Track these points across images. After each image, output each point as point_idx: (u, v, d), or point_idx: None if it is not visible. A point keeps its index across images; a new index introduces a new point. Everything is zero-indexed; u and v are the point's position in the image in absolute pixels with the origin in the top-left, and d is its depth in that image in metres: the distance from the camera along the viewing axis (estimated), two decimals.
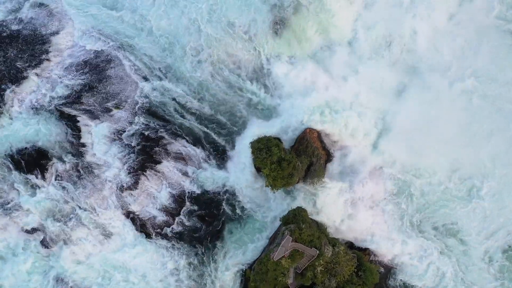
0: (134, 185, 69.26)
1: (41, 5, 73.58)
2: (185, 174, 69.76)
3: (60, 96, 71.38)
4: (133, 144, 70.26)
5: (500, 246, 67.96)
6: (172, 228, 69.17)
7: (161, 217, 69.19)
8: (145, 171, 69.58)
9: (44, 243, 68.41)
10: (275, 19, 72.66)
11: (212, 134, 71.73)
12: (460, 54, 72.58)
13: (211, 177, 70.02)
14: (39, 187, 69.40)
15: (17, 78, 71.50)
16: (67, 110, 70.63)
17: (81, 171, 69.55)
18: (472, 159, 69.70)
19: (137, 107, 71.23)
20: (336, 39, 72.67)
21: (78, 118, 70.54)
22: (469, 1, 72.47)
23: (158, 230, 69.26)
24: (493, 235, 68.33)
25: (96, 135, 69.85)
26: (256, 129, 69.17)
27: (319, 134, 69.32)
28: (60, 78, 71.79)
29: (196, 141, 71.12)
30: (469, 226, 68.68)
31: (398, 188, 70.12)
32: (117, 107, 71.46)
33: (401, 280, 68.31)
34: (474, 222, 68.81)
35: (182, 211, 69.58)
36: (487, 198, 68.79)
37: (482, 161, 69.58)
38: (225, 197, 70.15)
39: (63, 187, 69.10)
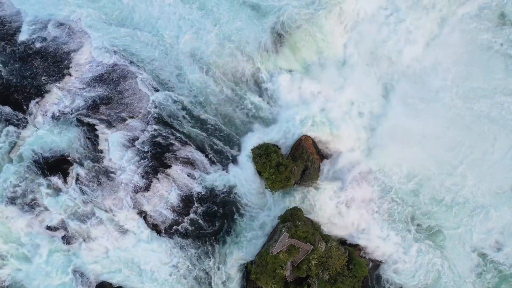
0: (147, 187, 71.31)
1: (62, 25, 74.72)
2: (193, 177, 71.96)
3: (80, 107, 73.07)
4: (145, 150, 72.09)
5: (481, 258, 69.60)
6: (181, 226, 71.56)
7: (170, 216, 71.63)
8: (157, 175, 71.59)
9: (65, 240, 71.05)
10: (274, 37, 74.04)
11: (217, 141, 73.31)
12: (444, 66, 73.64)
13: (216, 180, 72.17)
14: (61, 190, 71.69)
15: (42, 91, 73.47)
16: (86, 119, 72.85)
17: (99, 175, 71.81)
18: (457, 169, 71.17)
19: (149, 116, 72.70)
20: (329, 55, 73.95)
21: (96, 127, 72.70)
22: (452, 16, 74.09)
23: (168, 228, 71.70)
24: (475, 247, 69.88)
25: (112, 142, 71.93)
26: (256, 136, 71.82)
27: (313, 140, 71.58)
28: (80, 90, 73.41)
29: (202, 147, 73.12)
30: (454, 232, 70.14)
31: (386, 189, 71.40)
32: (131, 116, 73.18)
33: (388, 273, 69.78)
34: (458, 230, 70.20)
35: (189, 211, 71.68)
36: (472, 208, 70.32)
37: (468, 171, 70.87)
38: (229, 198, 72.11)
39: (83, 189, 71.51)
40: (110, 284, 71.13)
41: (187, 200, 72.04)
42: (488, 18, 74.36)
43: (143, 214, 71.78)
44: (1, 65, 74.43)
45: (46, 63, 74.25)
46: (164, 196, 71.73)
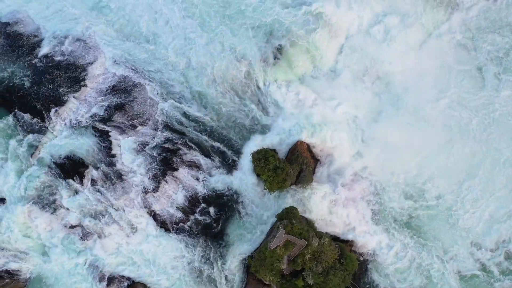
0: (156, 188, 73.68)
1: (78, 40, 77.26)
2: (198, 179, 74.41)
3: (95, 115, 75.45)
4: (154, 155, 74.52)
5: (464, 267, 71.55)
6: (187, 224, 73.71)
7: (177, 215, 73.66)
8: (165, 177, 73.97)
9: (81, 237, 73.20)
10: (272, 51, 77.04)
11: (220, 146, 75.76)
12: (434, 76, 75.98)
13: (219, 182, 74.66)
14: (77, 190, 73.80)
15: (60, 101, 75.74)
16: (100, 126, 75.30)
17: (112, 177, 74.04)
18: (447, 176, 73.38)
19: (158, 124, 75.14)
20: (322, 66, 76.88)
21: (110, 133, 75.03)
22: (439, 29, 77.32)
23: (175, 225, 73.79)
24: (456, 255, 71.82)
25: (124, 147, 74.45)
26: (256, 142, 74.23)
27: (308, 145, 74.05)
28: (95, 100, 75.66)
29: (207, 151, 75.56)
30: (440, 236, 72.35)
31: (375, 192, 73.99)
32: (142, 124, 75.72)
33: (376, 267, 72.21)
34: (444, 234, 72.40)
35: (195, 210, 73.95)
36: (459, 215, 72.31)
37: (457, 178, 73.26)
38: (231, 198, 74.61)
39: (98, 190, 73.64)
40: (122, 277, 73.36)
41: (192, 200, 74.54)
42: (473, 29, 77.92)
43: (152, 213, 74.18)
44: (24, 77, 77.08)
45: (64, 75, 76.68)
46: (171, 196, 74.20)
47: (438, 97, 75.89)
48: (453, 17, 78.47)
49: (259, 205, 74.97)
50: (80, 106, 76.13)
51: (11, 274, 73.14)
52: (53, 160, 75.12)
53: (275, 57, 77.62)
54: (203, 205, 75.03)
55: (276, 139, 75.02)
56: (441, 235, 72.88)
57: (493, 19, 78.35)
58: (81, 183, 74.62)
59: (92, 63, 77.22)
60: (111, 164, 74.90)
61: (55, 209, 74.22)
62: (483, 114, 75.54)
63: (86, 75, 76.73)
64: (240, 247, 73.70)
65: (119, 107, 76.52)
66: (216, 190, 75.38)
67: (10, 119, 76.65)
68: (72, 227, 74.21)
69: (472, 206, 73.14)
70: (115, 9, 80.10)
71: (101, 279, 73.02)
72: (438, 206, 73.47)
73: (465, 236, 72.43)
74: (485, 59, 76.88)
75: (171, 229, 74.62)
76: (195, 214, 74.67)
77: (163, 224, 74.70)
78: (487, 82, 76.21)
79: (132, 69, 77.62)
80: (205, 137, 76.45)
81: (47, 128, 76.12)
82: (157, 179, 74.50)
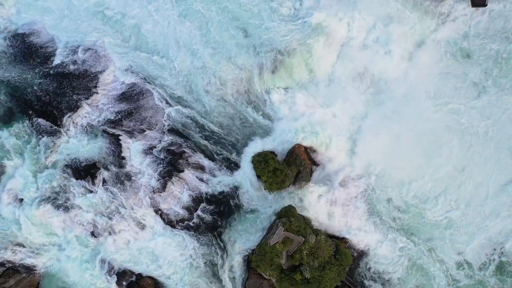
0: (163, 188, 76.03)
1: (90, 49, 79.44)
2: (202, 180, 76.75)
3: (105, 120, 77.93)
4: (161, 157, 76.73)
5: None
6: (192, 222, 76.44)
7: (183, 213, 76.28)
8: (171, 178, 76.28)
9: (93, 234, 76.44)
10: (272, 60, 78.52)
11: (223, 149, 77.86)
12: (424, 83, 76.84)
13: (222, 182, 76.91)
14: (90, 191, 76.64)
15: (73, 107, 78.45)
16: (111, 130, 77.79)
17: (122, 178, 76.71)
18: (444, 179, 74.93)
19: (164, 128, 77.43)
20: (319, 74, 78.30)
21: (120, 137, 77.66)
22: (428, 40, 78.34)
23: (181, 223, 76.64)
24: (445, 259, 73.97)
25: (133, 150, 76.96)
26: (256, 145, 76.51)
27: (305, 148, 76.18)
28: (105, 106, 78.26)
29: (210, 154, 77.67)
30: (435, 239, 74.37)
31: (370, 191, 76.03)
32: (149, 128, 77.99)
33: (369, 263, 75.42)
34: (440, 239, 74.19)
35: (199, 208, 76.40)
36: (454, 218, 74.18)
37: (455, 182, 74.96)
38: (233, 197, 76.91)
39: (108, 190, 76.49)
40: (131, 272, 76.70)
41: (197, 200, 76.88)
42: (465, 37, 79.07)
43: (159, 212, 76.85)
44: (39, 84, 79.86)
45: (77, 82, 79.13)
46: (177, 196, 76.57)
47: (435, 103, 77.01)
48: (446, 25, 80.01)
49: (260, 204, 77.32)
50: (92, 112, 78.83)
51: (27, 269, 77.11)
52: (66, 162, 77.95)
53: (275, 65, 79.26)
54: (207, 204, 77.35)
55: (276, 142, 77.15)
56: (436, 239, 75.12)
57: (484, 27, 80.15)
58: (93, 183, 77.35)
59: (102, 71, 79.63)
60: (121, 166, 77.53)
61: (68, 208, 77.09)
62: (479, 118, 76.77)
63: (97, 82, 79.16)
64: (242, 243, 76.17)
65: (128, 112, 78.93)
66: (219, 190, 77.54)
67: (26, 124, 79.96)
68: (84, 224, 77.26)
69: (469, 210, 75.30)
70: (123, 22, 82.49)
71: (111, 273, 76.17)
72: (434, 212, 75.71)
73: (456, 242, 74.97)
74: (480, 65, 78.28)
75: (177, 227, 77.30)
76: (200, 213, 76.88)
77: (169, 222, 77.35)
78: (482, 89, 77.68)
79: (140, 76, 79.68)
80: (208, 141, 78.63)
81: (61, 132, 78.87)
82: (164, 179, 76.89)
